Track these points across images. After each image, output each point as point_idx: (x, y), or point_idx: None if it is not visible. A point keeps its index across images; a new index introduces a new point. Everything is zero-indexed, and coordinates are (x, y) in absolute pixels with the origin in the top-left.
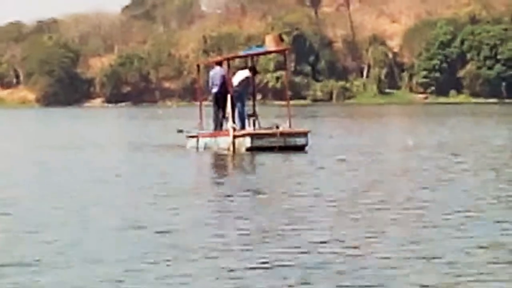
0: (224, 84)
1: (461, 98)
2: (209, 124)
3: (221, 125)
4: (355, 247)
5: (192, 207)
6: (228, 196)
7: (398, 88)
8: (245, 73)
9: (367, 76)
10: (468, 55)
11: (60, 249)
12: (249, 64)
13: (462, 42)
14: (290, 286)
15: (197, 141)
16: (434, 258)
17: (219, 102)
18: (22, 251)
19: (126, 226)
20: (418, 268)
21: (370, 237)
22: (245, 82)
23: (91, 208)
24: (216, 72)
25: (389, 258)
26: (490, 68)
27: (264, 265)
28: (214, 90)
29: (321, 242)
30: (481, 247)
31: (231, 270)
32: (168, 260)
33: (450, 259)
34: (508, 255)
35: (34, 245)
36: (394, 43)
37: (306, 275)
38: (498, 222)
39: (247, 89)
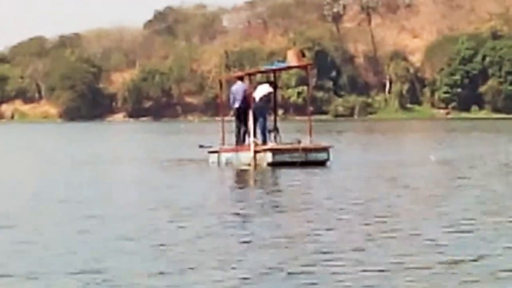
0: (246, 98)
1: (483, 113)
2: (231, 139)
3: (244, 140)
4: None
5: (205, 224)
6: (244, 215)
7: (420, 103)
8: (267, 87)
9: (389, 92)
10: (490, 71)
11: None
12: (271, 79)
13: (483, 58)
14: None
15: (219, 156)
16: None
17: (241, 117)
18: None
19: (137, 237)
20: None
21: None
22: (267, 97)
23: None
24: (238, 87)
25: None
26: (511, 83)
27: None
28: (236, 105)
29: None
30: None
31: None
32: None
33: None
34: None
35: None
36: (416, 59)
37: None
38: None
39: (269, 104)
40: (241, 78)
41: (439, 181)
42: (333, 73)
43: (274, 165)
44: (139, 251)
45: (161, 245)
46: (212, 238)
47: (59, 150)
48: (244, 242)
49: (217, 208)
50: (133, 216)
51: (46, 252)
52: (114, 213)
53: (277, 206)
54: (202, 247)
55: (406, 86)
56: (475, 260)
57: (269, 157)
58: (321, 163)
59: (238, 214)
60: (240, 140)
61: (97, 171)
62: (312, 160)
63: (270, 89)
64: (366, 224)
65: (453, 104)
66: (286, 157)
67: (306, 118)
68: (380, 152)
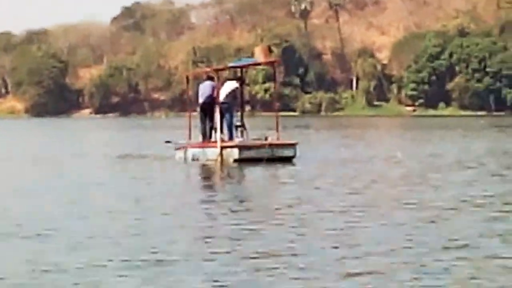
0: (211, 94)
1: (450, 110)
2: (198, 135)
3: (210, 135)
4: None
5: (173, 216)
6: (210, 207)
7: (387, 100)
8: (233, 84)
9: (356, 88)
10: (457, 68)
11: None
12: (238, 75)
13: (450, 55)
14: None
15: (185, 152)
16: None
17: (206, 113)
18: None
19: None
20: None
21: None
22: (233, 93)
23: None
24: (206, 85)
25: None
26: (478, 80)
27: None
28: (200, 100)
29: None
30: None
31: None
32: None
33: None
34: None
35: None
36: (383, 55)
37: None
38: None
39: (235, 100)
40: (211, 78)
41: (402, 177)
42: (301, 70)
43: (240, 161)
44: (100, 245)
45: (124, 236)
46: (176, 231)
47: (19, 145)
48: (207, 237)
49: (181, 204)
50: (96, 213)
51: None
52: (73, 211)
53: (241, 202)
54: (165, 239)
55: (373, 83)
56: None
57: (235, 153)
58: (288, 159)
59: (201, 209)
60: (207, 136)
61: (56, 166)
62: (278, 156)
63: (236, 85)
64: (320, 220)
65: (420, 101)
66: (252, 153)
67: (273, 114)
68: (347, 148)
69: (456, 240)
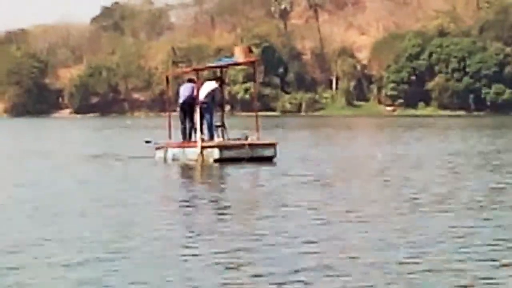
0: (191, 95)
1: (429, 110)
2: (178, 135)
3: (190, 136)
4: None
5: (154, 216)
6: (189, 207)
7: (367, 100)
8: (212, 84)
9: (336, 88)
10: (437, 68)
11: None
12: (218, 75)
13: (430, 55)
14: None
15: (165, 152)
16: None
17: (186, 113)
18: None
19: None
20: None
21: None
22: (212, 93)
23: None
24: (187, 86)
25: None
26: (458, 80)
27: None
28: (180, 100)
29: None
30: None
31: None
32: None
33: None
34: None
35: None
36: (363, 55)
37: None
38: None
39: (215, 100)
40: (192, 80)
41: (381, 177)
42: (281, 70)
43: (220, 161)
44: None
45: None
46: (156, 231)
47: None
48: (188, 236)
49: (161, 203)
50: (77, 212)
51: None
52: (53, 210)
53: (217, 201)
54: (145, 238)
55: (353, 83)
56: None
57: (215, 153)
58: (268, 159)
59: (181, 208)
60: (187, 136)
61: (43, 166)
62: (258, 156)
63: (216, 86)
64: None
65: (400, 101)
66: (232, 153)
67: (253, 114)
68: (328, 149)
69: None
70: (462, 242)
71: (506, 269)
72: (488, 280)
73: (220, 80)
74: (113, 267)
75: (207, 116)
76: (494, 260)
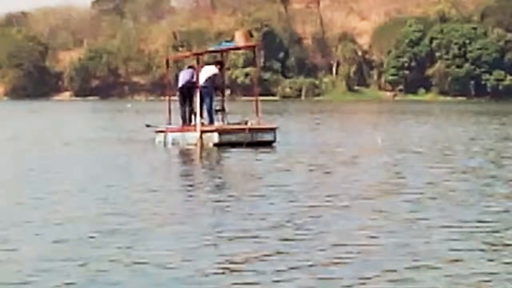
0: (190, 79)
1: (430, 96)
2: (178, 119)
3: (190, 120)
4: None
5: (152, 202)
6: (190, 191)
7: (367, 85)
8: (212, 68)
9: (336, 73)
10: (437, 54)
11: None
12: (218, 59)
13: (431, 41)
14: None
15: (165, 136)
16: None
17: (185, 97)
18: None
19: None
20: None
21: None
22: (213, 77)
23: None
24: (186, 71)
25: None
26: (459, 66)
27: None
28: (179, 84)
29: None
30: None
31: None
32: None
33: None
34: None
35: None
36: (364, 41)
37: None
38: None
39: (215, 85)
40: (192, 67)
41: (380, 163)
42: (281, 54)
43: (220, 145)
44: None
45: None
46: (156, 215)
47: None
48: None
49: (160, 188)
50: (76, 195)
51: None
52: (53, 197)
53: (218, 186)
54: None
55: (353, 68)
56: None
57: (215, 137)
58: (268, 144)
59: (179, 191)
60: (186, 120)
61: (40, 150)
62: (258, 141)
63: (216, 70)
64: (289, 202)
65: (400, 86)
66: (232, 138)
67: (253, 99)
68: (328, 133)
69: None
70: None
71: None
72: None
73: (220, 64)
74: (108, 242)
75: (207, 100)
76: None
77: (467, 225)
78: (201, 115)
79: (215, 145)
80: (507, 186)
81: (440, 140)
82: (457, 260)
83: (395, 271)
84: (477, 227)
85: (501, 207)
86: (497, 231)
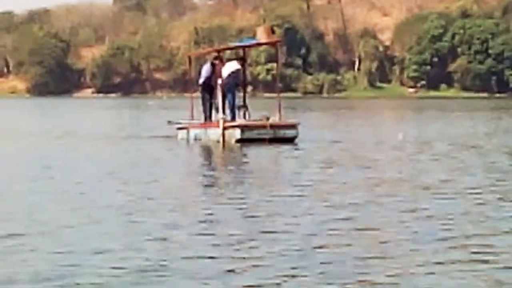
0: (209, 75)
1: (452, 92)
2: (200, 116)
3: (210, 115)
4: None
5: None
6: (207, 185)
7: (389, 81)
8: (235, 64)
9: (358, 69)
10: (459, 49)
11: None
12: (240, 55)
13: (453, 36)
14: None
15: (187, 132)
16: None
17: (205, 93)
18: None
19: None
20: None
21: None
22: (234, 73)
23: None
24: (207, 65)
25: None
26: (480, 62)
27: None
28: (200, 81)
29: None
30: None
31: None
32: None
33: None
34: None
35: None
36: (385, 37)
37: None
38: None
39: (238, 81)
40: (216, 59)
41: (401, 159)
42: (303, 51)
43: (242, 141)
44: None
45: (129, 215)
46: (179, 213)
47: (22, 123)
48: (209, 214)
49: (184, 184)
50: (100, 191)
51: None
52: (77, 189)
53: (242, 183)
54: (168, 220)
55: (375, 64)
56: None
57: (237, 133)
58: (290, 140)
59: (203, 188)
60: (208, 116)
61: (63, 145)
62: (280, 137)
63: (238, 66)
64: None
65: (422, 82)
66: (254, 134)
67: (275, 95)
68: (349, 130)
69: None
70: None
71: None
72: None
73: (242, 60)
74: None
75: (229, 96)
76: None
77: None
78: (223, 111)
79: (237, 141)
80: None
81: (456, 136)
82: None
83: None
84: None
85: None
86: None
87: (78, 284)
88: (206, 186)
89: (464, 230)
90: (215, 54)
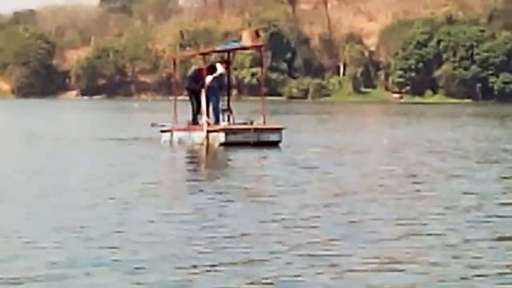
0: (194, 78)
1: (436, 98)
2: (184, 119)
3: (195, 119)
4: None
5: (156, 202)
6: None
7: (374, 87)
8: (220, 68)
9: (343, 74)
10: (444, 56)
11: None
12: (225, 59)
13: (438, 42)
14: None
15: (171, 135)
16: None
17: (191, 97)
18: None
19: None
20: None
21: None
22: (219, 77)
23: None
24: (192, 70)
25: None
26: (466, 68)
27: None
28: (186, 84)
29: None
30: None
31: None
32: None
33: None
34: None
35: None
36: (371, 42)
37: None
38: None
39: (222, 84)
40: (199, 68)
41: (386, 164)
42: (288, 55)
43: (226, 145)
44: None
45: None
46: (161, 216)
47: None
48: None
49: (166, 186)
50: (77, 195)
51: None
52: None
53: (227, 186)
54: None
55: (360, 69)
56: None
57: (221, 137)
58: (274, 144)
59: (187, 192)
60: (193, 120)
61: (46, 147)
62: (264, 141)
63: (222, 70)
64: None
65: (407, 88)
66: (239, 138)
67: (259, 99)
68: (334, 134)
69: None
70: None
71: None
72: None
73: (227, 64)
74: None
75: (213, 99)
76: None
77: None
78: (207, 115)
79: (221, 144)
80: None
81: (434, 141)
82: None
83: None
84: None
85: None
86: None
87: None
88: (181, 186)
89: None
90: (200, 60)
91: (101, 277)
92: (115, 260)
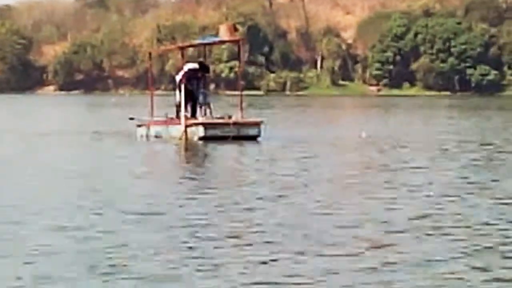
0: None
1: (414, 90)
2: (160, 113)
3: (177, 113)
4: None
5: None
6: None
7: (352, 80)
8: (193, 65)
9: (321, 68)
10: (422, 48)
11: None
12: (202, 53)
13: (415, 35)
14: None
15: (147, 129)
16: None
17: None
18: None
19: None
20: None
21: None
22: (191, 72)
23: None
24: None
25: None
26: (443, 61)
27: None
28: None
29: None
30: None
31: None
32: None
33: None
34: None
35: None
36: (348, 35)
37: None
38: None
39: (196, 79)
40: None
41: (364, 157)
42: (265, 49)
43: (205, 139)
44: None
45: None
46: (136, 205)
47: None
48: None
49: (142, 181)
50: (52, 189)
51: None
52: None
53: (206, 180)
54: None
55: (338, 63)
56: None
57: (200, 131)
58: (253, 138)
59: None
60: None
61: (21, 142)
62: (243, 135)
63: (196, 65)
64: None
65: (385, 81)
66: (217, 132)
67: (237, 93)
68: (312, 128)
69: None
70: None
71: None
72: None
73: (203, 67)
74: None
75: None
76: None
77: None
78: (185, 109)
79: (200, 139)
80: None
81: (416, 133)
82: None
83: None
84: None
85: None
86: None
87: None
88: (155, 179)
89: None
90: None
91: None
92: None
